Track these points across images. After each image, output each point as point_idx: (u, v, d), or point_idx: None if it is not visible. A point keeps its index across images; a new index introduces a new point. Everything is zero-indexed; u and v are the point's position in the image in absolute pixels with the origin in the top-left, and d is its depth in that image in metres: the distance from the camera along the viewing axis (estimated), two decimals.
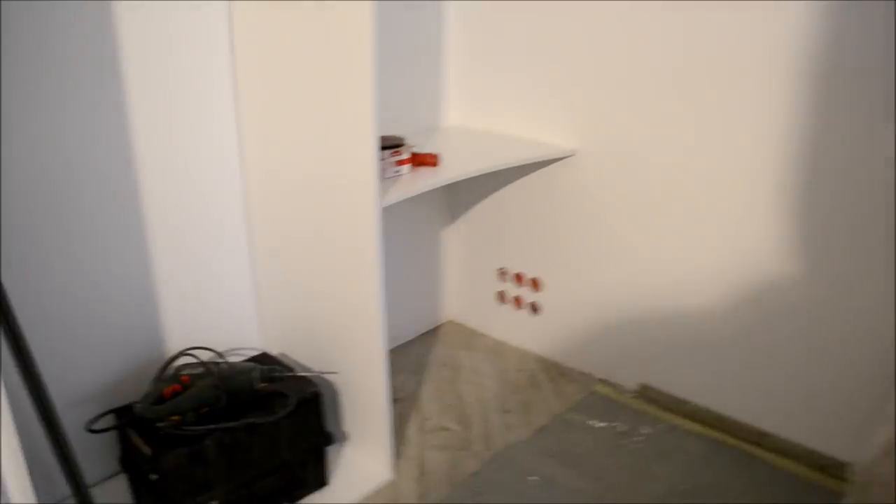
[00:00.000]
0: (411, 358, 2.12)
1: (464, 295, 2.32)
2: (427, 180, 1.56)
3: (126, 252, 1.49)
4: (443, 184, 1.59)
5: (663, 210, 1.75)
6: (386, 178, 1.56)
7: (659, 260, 1.79)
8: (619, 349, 1.95)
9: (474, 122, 2.10)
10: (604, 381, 2.00)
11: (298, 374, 1.47)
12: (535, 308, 2.12)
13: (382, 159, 1.55)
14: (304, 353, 1.71)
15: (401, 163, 1.59)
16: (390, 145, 1.57)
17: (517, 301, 2.16)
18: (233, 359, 1.74)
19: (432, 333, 2.28)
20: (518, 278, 2.13)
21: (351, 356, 1.57)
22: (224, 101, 1.58)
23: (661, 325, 1.83)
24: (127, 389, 1.53)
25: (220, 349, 1.72)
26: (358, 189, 1.40)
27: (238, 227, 1.70)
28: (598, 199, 1.87)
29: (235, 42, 1.54)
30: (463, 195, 2.20)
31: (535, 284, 2.09)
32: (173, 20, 1.44)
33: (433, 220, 2.21)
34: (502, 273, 2.17)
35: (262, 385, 1.44)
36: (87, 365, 1.48)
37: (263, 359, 1.62)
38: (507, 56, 1.96)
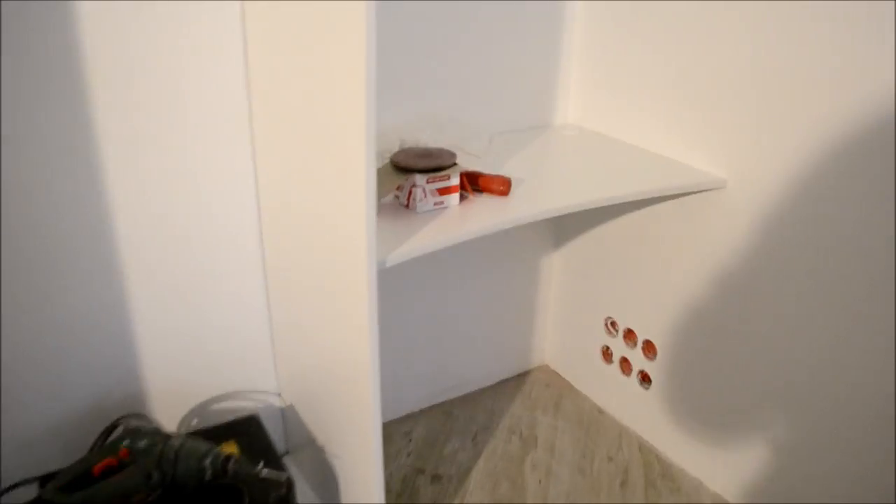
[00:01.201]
0: (478, 415, 1.69)
1: (564, 339, 1.83)
2: (471, 225, 1.10)
3: (96, 265, 1.19)
4: (494, 230, 1.11)
5: (843, 277, 1.16)
6: (419, 214, 1.12)
7: (821, 348, 1.21)
8: (750, 459, 1.38)
9: (596, 123, 1.57)
10: (718, 499, 1.45)
11: (262, 474, 1.09)
12: (645, 378, 1.60)
13: (415, 187, 1.11)
14: (314, 415, 1.34)
15: (445, 191, 1.14)
16: (429, 168, 1.12)
17: (625, 364, 1.64)
18: (235, 403, 1.43)
19: (518, 380, 1.83)
20: (629, 336, 1.61)
21: (347, 431, 1.18)
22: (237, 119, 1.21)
23: (813, 441, 1.25)
24: (80, 444, 1.25)
25: (229, 389, 1.42)
26: (348, 240, 0.97)
27: (253, 254, 1.35)
28: (750, 250, 1.29)
29: (248, 43, 1.15)
30: (572, 216, 1.70)
31: (649, 349, 1.56)
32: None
33: (531, 242, 1.74)
34: (611, 324, 1.66)
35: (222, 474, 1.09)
36: (34, 407, 1.21)
37: (248, 427, 1.28)
38: (650, 42, 1.41)
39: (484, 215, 1.14)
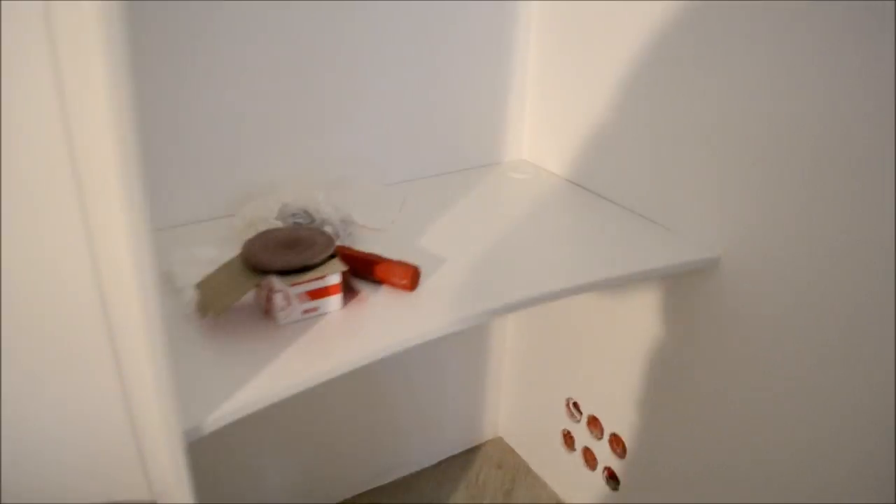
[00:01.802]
0: None
1: (520, 411, 1.53)
2: (355, 346, 0.79)
3: None
4: (385, 354, 0.80)
5: (852, 382, 0.85)
6: (283, 326, 0.81)
7: (824, 458, 0.90)
8: None
9: (555, 162, 1.25)
10: None
11: None
12: (612, 477, 1.30)
13: (273, 292, 0.80)
14: None
15: (319, 294, 0.82)
16: (291, 268, 0.80)
17: (588, 456, 1.34)
18: None
19: (465, 459, 1.54)
20: (594, 424, 1.31)
21: None
22: None
23: None
24: None
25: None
26: (145, 394, 0.67)
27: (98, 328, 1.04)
28: (745, 345, 0.98)
29: None
30: None
31: (617, 444, 1.26)
32: None
33: None
34: (573, 406, 1.35)
35: None
36: None
37: None
38: (626, 67, 1.08)
39: (375, 326, 0.83)
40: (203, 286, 0.81)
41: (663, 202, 1.05)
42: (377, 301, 0.87)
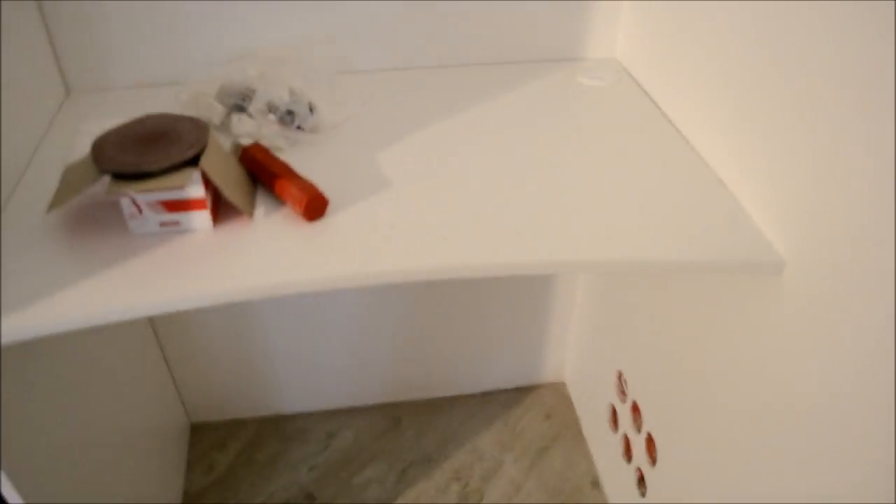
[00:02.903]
0: (428, 436, 1.26)
1: (586, 360, 1.28)
2: (202, 280, 0.63)
3: None
4: (238, 299, 0.63)
5: None
6: (135, 237, 0.67)
7: None
8: None
9: (648, 69, 0.91)
10: None
11: None
12: (641, 480, 1.04)
13: (121, 196, 0.65)
14: None
15: (177, 206, 0.66)
16: (134, 171, 0.64)
17: (626, 446, 1.08)
18: None
19: (512, 397, 1.34)
20: (635, 412, 1.04)
21: None
22: None
23: None
24: None
25: None
26: None
27: None
28: (801, 371, 0.66)
29: None
30: None
31: (650, 448, 0.99)
32: None
33: None
34: (621, 380, 1.08)
35: None
36: None
37: None
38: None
39: (247, 258, 0.66)
40: (63, 175, 0.69)
41: (750, 173, 0.70)
42: (266, 227, 0.69)
